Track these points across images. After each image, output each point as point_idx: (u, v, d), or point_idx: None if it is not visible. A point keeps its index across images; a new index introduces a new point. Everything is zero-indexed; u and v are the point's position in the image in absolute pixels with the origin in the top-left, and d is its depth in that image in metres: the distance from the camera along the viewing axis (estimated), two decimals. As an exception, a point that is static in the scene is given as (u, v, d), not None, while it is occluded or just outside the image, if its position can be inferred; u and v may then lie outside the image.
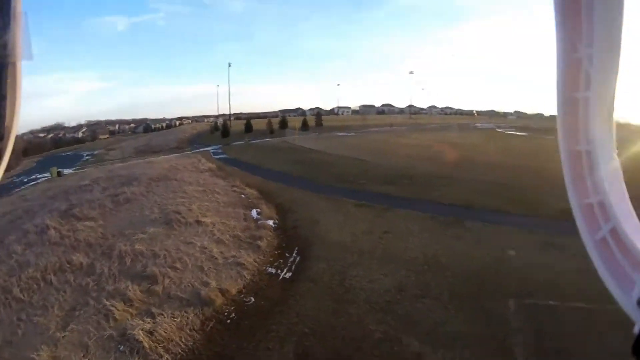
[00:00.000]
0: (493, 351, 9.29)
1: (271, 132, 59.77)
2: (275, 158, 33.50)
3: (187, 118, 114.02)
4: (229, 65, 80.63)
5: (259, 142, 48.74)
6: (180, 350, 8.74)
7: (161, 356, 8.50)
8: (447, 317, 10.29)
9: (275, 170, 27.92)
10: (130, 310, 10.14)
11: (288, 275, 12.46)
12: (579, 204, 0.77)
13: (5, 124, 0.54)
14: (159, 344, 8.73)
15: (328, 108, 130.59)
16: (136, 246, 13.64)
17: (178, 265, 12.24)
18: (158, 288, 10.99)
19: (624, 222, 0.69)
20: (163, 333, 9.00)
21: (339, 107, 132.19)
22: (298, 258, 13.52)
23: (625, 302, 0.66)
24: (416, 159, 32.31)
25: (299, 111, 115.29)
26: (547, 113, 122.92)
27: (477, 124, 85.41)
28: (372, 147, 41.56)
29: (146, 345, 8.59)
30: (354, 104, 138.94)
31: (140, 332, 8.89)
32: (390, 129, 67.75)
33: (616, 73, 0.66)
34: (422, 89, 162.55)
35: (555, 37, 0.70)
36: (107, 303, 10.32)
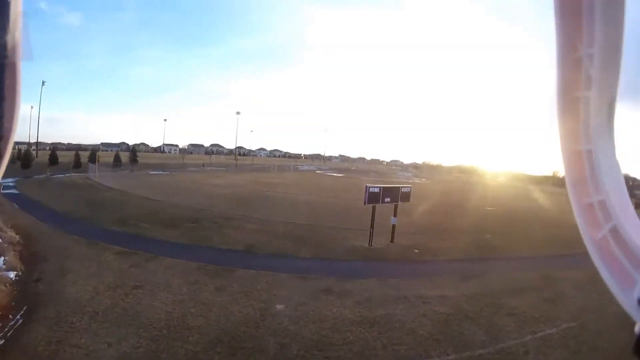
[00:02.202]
0: None
1: (78, 166, 56.15)
2: (66, 196, 30.08)
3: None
4: (43, 84, 67.53)
5: (61, 176, 45.10)
6: None
7: None
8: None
9: (57, 210, 24.60)
10: None
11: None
12: (579, 204, 0.73)
13: (5, 125, 0.54)
14: None
15: (155, 145, 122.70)
16: None
17: None
18: None
19: (624, 221, 0.67)
20: None
21: (165, 145, 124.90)
22: (20, 321, 10.50)
23: (626, 302, 0.64)
24: (216, 199, 30.46)
25: (122, 146, 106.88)
26: (368, 157, 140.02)
27: (299, 166, 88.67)
28: (176, 186, 38.92)
29: None
30: (183, 142, 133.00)
31: None
32: (202, 169, 66.73)
33: (617, 73, 0.66)
34: (251, 131, 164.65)
35: (555, 36, 0.70)
36: None
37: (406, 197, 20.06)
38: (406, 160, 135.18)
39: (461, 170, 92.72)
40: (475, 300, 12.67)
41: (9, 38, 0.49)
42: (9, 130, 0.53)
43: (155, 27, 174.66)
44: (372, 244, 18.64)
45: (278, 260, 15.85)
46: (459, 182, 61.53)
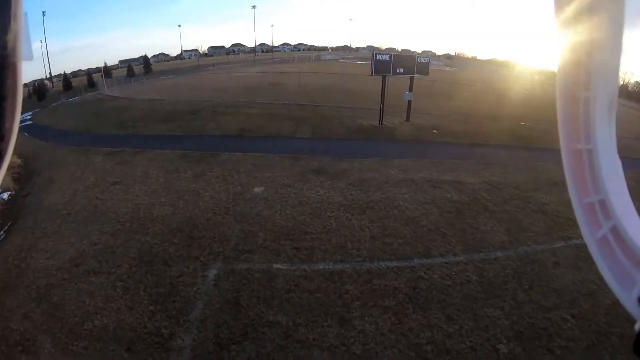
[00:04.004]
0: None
1: (92, 85, 53.53)
2: (73, 114, 29.31)
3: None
4: (43, 14, 64.97)
5: (75, 98, 44.27)
6: None
7: None
8: (106, 302, 6.47)
9: (62, 128, 24.00)
10: None
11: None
12: (579, 203, 0.70)
13: (6, 125, 0.51)
14: None
15: (174, 54, 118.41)
16: None
17: None
18: None
19: (624, 220, 0.64)
20: None
21: (184, 51, 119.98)
22: (3, 236, 10.07)
23: (626, 301, 0.61)
24: (221, 91, 28.24)
25: (141, 60, 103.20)
26: (399, 48, 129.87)
27: (322, 56, 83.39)
28: (183, 85, 36.87)
29: None
30: (203, 46, 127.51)
31: None
32: (214, 67, 62.90)
33: (617, 72, 0.62)
34: (271, 25, 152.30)
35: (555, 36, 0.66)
36: None
37: (424, 69, 17.09)
38: (439, 51, 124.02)
39: (497, 63, 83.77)
40: (498, 190, 10.48)
41: (9, 38, 0.45)
42: (10, 130, 0.50)
43: None
44: (383, 122, 16.44)
45: (271, 142, 14.23)
46: (493, 72, 55.25)
